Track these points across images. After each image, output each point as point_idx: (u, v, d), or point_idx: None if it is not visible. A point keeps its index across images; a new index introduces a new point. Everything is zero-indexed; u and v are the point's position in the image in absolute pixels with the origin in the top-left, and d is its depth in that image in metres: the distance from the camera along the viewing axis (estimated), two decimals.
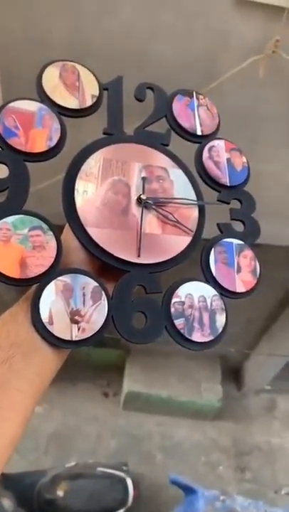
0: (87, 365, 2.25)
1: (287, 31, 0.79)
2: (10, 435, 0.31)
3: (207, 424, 2.24)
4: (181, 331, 0.37)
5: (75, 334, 0.34)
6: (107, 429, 2.19)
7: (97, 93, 0.42)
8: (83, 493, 1.84)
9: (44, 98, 0.40)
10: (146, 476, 2.03)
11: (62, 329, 0.33)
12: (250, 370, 2.32)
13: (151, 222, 0.39)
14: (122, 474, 1.90)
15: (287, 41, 0.81)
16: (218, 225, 0.42)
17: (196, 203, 0.41)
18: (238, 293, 0.40)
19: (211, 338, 0.38)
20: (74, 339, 0.34)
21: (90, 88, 0.42)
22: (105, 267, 0.38)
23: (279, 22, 0.76)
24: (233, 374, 2.44)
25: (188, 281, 0.38)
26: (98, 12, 0.75)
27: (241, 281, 0.40)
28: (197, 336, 0.37)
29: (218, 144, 0.45)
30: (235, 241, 0.41)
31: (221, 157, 0.44)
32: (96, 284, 0.35)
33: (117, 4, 0.77)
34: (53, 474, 1.87)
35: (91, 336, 0.34)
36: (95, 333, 0.34)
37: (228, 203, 0.43)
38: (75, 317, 0.34)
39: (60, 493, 1.85)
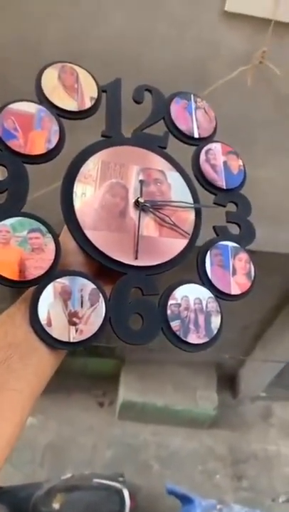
0: (82, 375, 2.24)
1: (274, 42, 0.81)
2: (7, 435, 0.31)
3: (203, 432, 2.23)
4: (177, 332, 0.37)
5: (73, 336, 0.34)
6: (103, 440, 2.17)
7: (95, 95, 0.42)
8: (79, 505, 1.82)
9: (43, 100, 0.40)
10: (143, 487, 2.01)
11: (60, 331, 0.34)
12: (245, 377, 2.32)
13: (148, 225, 0.40)
14: (118, 485, 1.88)
15: (274, 52, 0.83)
16: (214, 227, 0.43)
17: (192, 206, 0.42)
18: (233, 295, 0.40)
19: (206, 339, 0.38)
20: (72, 341, 0.34)
21: (89, 90, 0.42)
22: (103, 269, 0.38)
23: (265, 33, 0.78)
24: (229, 381, 2.43)
25: (184, 283, 0.39)
26: (91, 21, 0.76)
27: (236, 284, 0.41)
28: (192, 338, 0.38)
29: (215, 147, 0.45)
30: (231, 244, 0.42)
31: (218, 160, 0.44)
32: (94, 286, 0.36)
33: (109, 13, 0.78)
34: (49, 487, 1.85)
35: (89, 338, 0.34)
36: (93, 334, 0.35)
37: (224, 206, 0.44)
38: (73, 319, 0.34)
39: (56, 505, 1.82)
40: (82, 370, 2.25)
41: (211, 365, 2.29)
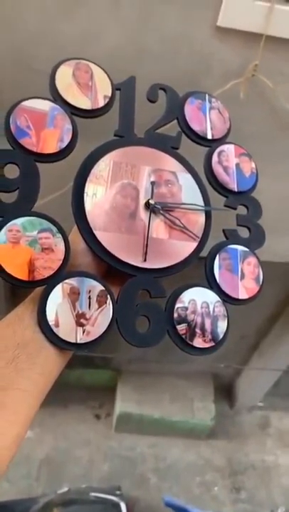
0: (78, 386, 2.22)
1: (265, 56, 0.83)
2: (13, 434, 0.31)
3: (201, 443, 2.21)
4: (183, 336, 0.37)
5: (80, 337, 0.34)
6: (100, 453, 2.15)
7: (109, 93, 0.41)
8: None
9: (57, 97, 0.39)
10: (141, 500, 1.99)
11: (67, 332, 0.34)
12: (242, 387, 2.31)
13: (158, 227, 0.39)
14: (115, 499, 1.86)
15: (266, 65, 0.85)
16: (224, 230, 0.42)
17: (203, 208, 0.41)
18: (241, 300, 0.40)
19: (212, 344, 0.38)
20: (79, 342, 0.34)
21: (103, 88, 0.41)
22: (111, 270, 0.38)
23: (257, 47, 0.80)
24: (226, 392, 2.42)
25: (192, 286, 0.39)
26: (84, 37, 0.77)
27: (244, 288, 0.40)
28: (198, 342, 0.37)
29: (228, 149, 0.44)
30: (240, 248, 0.41)
31: (230, 162, 0.44)
32: (102, 287, 0.35)
33: (103, 29, 0.79)
34: (45, 501, 1.82)
35: (95, 339, 0.34)
36: (100, 336, 0.35)
37: (235, 209, 0.43)
38: (80, 320, 0.34)
39: None
40: (79, 382, 2.23)
41: (207, 376, 2.29)
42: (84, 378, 2.27)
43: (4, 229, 0.34)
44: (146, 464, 2.13)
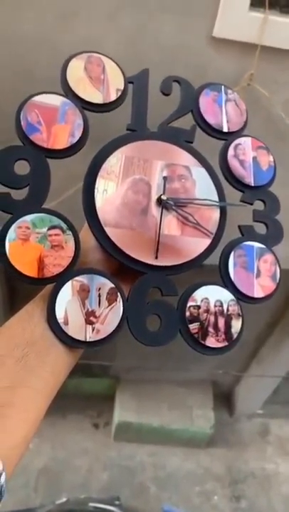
0: (76, 396, 2.21)
1: (261, 65, 0.84)
2: (22, 433, 0.30)
3: (200, 451, 2.20)
4: (195, 335, 0.36)
5: (89, 335, 0.34)
6: (99, 462, 2.13)
7: (122, 87, 0.40)
8: None
9: (68, 92, 0.38)
10: (140, 509, 1.96)
11: (76, 330, 0.33)
12: (241, 394, 2.30)
13: (170, 223, 0.38)
14: (114, 509, 1.84)
15: (261, 74, 0.86)
16: (239, 227, 0.41)
17: (218, 204, 0.40)
18: (256, 298, 0.39)
19: (225, 344, 0.37)
20: (88, 340, 0.33)
21: (115, 81, 0.40)
22: (122, 267, 0.37)
23: (252, 57, 0.81)
24: (225, 399, 2.41)
25: (205, 284, 0.37)
26: (83, 46, 0.79)
27: (260, 286, 0.39)
28: (211, 341, 0.36)
29: (245, 142, 0.42)
30: (257, 244, 0.40)
31: (247, 155, 0.42)
32: (112, 285, 0.35)
33: (101, 39, 0.80)
34: None
35: (105, 337, 0.34)
36: (109, 334, 0.34)
37: (252, 204, 0.42)
38: (90, 318, 0.34)
39: None
40: (77, 391, 2.22)
41: (206, 383, 2.28)
42: (82, 387, 2.26)
43: (14, 226, 0.33)
44: (146, 473, 2.11)
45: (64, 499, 1.87)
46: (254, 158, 0.42)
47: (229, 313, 0.37)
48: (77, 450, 2.15)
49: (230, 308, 0.37)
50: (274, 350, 1.98)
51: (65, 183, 0.73)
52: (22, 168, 0.35)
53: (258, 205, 0.42)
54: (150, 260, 0.37)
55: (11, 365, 0.31)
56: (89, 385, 2.28)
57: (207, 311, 0.37)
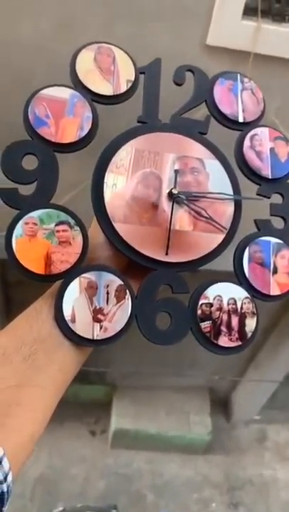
0: (73, 403, 2.19)
1: (254, 72, 0.85)
2: (29, 432, 0.30)
3: (198, 458, 2.18)
4: (207, 334, 0.35)
5: (97, 333, 0.33)
6: (96, 470, 2.10)
7: (132, 78, 0.38)
8: None
9: (77, 84, 0.37)
10: None
11: (84, 327, 0.33)
12: (238, 400, 2.30)
13: (182, 218, 0.37)
14: None
15: (254, 81, 0.87)
16: (255, 221, 0.39)
17: (232, 197, 0.38)
18: (272, 296, 0.37)
19: (239, 343, 0.36)
20: (95, 338, 0.33)
21: (126, 72, 0.38)
22: (132, 264, 0.36)
23: (246, 64, 0.82)
24: (222, 405, 2.40)
25: (218, 282, 0.36)
26: None
27: (276, 284, 0.37)
28: (224, 341, 0.35)
29: (262, 132, 0.40)
30: (274, 240, 0.38)
31: (264, 146, 0.40)
32: (121, 282, 0.34)
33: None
34: None
35: (113, 336, 0.33)
36: (117, 332, 0.33)
37: (269, 198, 0.40)
38: (97, 316, 0.33)
39: None
40: (74, 398, 2.20)
41: (204, 389, 2.27)
42: (79, 394, 2.24)
43: (21, 222, 0.33)
44: (143, 481, 2.09)
45: (60, 508, 1.85)
46: (271, 150, 0.40)
47: (243, 311, 0.36)
48: (74, 458, 2.13)
49: (244, 306, 0.36)
50: (271, 355, 1.98)
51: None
52: (31, 162, 0.35)
53: (276, 199, 0.40)
54: (160, 256, 0.36)
55: (18, 363, 0.31)
56: (86, 392, 2.27)
57: (220, 309, 0.36)
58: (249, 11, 0.74)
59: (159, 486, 2.08)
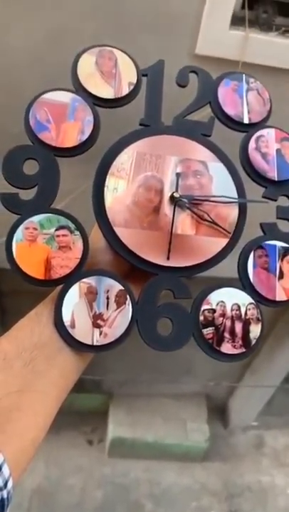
0: (69, 412, 2.17)
1: None
2: (30, 437, 0.30)
3: (196, 466, 2.17)
4: (210, 341, 0.34)
5: (96, 339, 0.32)
6: (93, 480, 2.08)
7: (134, 80, 0.38)
8: None
9: (78, 88, 0.37)
10: None
11: (83, 333, 0.32)
12: (235, 406, 2.29)
13: (184, 222, 0.36)
14: None
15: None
16: (261, 225, 0.38)
17: (236, 200, 0.37)
18: (278, 301, 0.36)
19: (242, 350, 0.35)
20: (95, 344, 0.32)
21: (128, 75, 0.38)
22: (134, 268, 0.36)
23: None
24: (219, 412, 2.39)
25: (221, 287, 0.35)
26: (68, 65, 0.82)
27: (283, 289, 0.36)
28: (227, 348, 0.34)
29: (268, 133, 0.39)
30: (280, 243, 0.37)
31: (270, 148, 0.39)
32: (121, 287, 0.34)
33: None
34: None
35: (113, 342, 0.33)
36: (117, 338, 0.33)
37: (275, 200, 0.39)
38: (97, 321, 0.33)
39: None
40: (70, 407, 2.19)
41: (200, 396, 2.26)
42: (75, 403, 2.22)
43: (21, 227, 0.33)
44: (141, 490, 2.07)
45: None
46: (278, 151, 0.39)
47: (248, 317, 0.35)
48: (71, 468, 2.11)
49: (248, 312, 0.35)
50: (267, 361, 1.98)
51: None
52: (33, 167, 0.35)
53: (283, 201, 0.39)
54: (161, 261, 0.35)
55: (19, 368, 0.31)
56: (82, 401, 2.25)
57: (223, 315, 0.35)
58: (237, 21, 0.75)
59: (157, 495, 2.06)
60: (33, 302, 0.35)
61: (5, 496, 0.27)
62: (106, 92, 0.37)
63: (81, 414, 2.24)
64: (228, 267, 0.38)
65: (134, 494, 2.05)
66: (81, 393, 2.22)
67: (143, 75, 0.39)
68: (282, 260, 0.37)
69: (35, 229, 0.33)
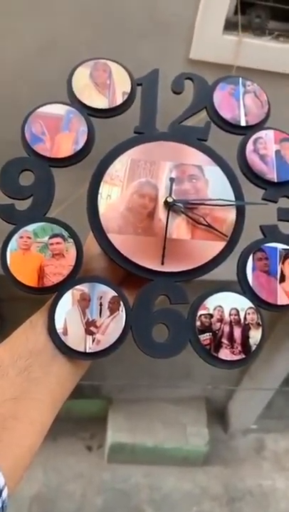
0: (68, 418, 2.16)
1: None
2: (27, 444, 0.30)
3: (196, 470, 2.16)
4: (207, 347, 0.34)
5: (89, 346, 0.32)
6: (93, 486, 2.07)
7: (128, 90, 0.39)
8: None
9: (73, 100, 0.38)
10: None
11: (76, 340, 0.32)
12: (235, 410, 2.29)
13: (179, 227, 0.36)
14: None
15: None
16: (261, 227, 0.38)
17: (232, 203, 0.37)
18: (280, 305, 0.35)
19: (242, 356, 0.34)
20: (88, 351, 0.32)
21: (122, 85, 0.39)
22: (129, 275, 0.36)
23: None
24: (219, 415, 2.38)
25: (218, 291, 0.35)
26: (62, 74, 0.83)
27: (284, 292, 0.35)
28: (225, 354, 0.34)
29: (267, 135, 0.39)
30: (281, 246, 0.36)
31: (269, 149, 0.39)
32: (114, 293, 0.34)
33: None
34: None
35: (106, 348, 0.32)
36: (111, 345, 0.33)
37: (276, 202, 0.38)
38: (90, 328, 0.33)
39: None
40: (68, 413, 2.17)
41: (200, 400, 2.26)
42: (73, 409, 2.21)
43: (16, 236, 0.34)
44: (141, 496, 2.06)
45: None
46: (277, 152, 0.39)
47: (247, 322, 0.34)
48: (71, 474, 2.10)
49: (248, 316, 0.34)
50: (266, 364, 1.98)
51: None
52: (30, 178, 0.36)
53: (284, 203, 0.39)
54: (156, 266, 0.35)
55: (14, 376, 0.31)
56: (80, 406, 2.24)
57: (221, 320, 0.34)
58: (230, 26, 0.75)
59: (157, 500, 2.05)
60: (32, 309, 0.35)
61: (0, 505, 0.27)
62: (100, 102, 0.38)
63: (80, 420, 2.23)
64: (230, 270, 0.37)
65: (135, 500, 2.04)
66: (79, 399, 2.21)
67: (138, 85, 0.40)
68: (283, 263, 0.36)
69: (29, 238, 0.34)
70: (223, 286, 0.35)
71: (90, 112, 0.38)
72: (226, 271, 0.37)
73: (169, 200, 0.36)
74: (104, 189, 0.36)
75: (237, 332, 0.34)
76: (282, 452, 2.33)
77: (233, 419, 2.31)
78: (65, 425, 2.16)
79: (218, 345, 0.34)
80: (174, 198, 0.36)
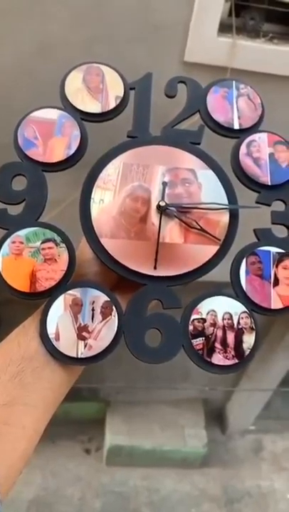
0: (65, 421, 2.15)
1: None
2: (20, 450, 0.30)
3: (194, 472, 2.15)
4: (199, 352, 0.33)
5: (81, 351, 0.32)
6: (91, 489, 2.06)
7: (121, 94, 0.39)
8: None
9: (66, 104, 0.38)
10: None
11: (68, 345, 0.32)
12: (233, 411, 2.29)
13: (172, 231, 0.36)
14: None
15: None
16: (254, 230, 0.37)
17: (226, 207, 0.37)
18: (273, 310, 0.35)
19: (235, 361, 0.34)
20: (80, 356, 0.32)
21: (115, 89, 0.39)
22: (122, 279, 0.36)
23: None
24: (217, 417, 2.38)
25: (211, 295, 0.35)
26: (58, 77, 0.83)
27: (278, 296, 0.35)
28: (218, 359, 0.33)
29: (260, 138, 0.39)
30: (274, 249, 0.36)
31: (262, 152, 0.39)
32: (107, 298, 0.33)
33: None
34: None
35: (98, 354, 0.32)
36: (103, 350, 0.32)
37: (270, 205, 0.38)
38: (82, 333, 0.33)
39: None
40: (66, 416, 2.17)
41: (197, 402, 2.26)
42: (71, 412, 2.21)
43: (8, 241, 0.33)
44: (140, 498, 2.05)
45: None
46: (271, 155, 0.39)
47: (240, 326, 0.34)
48: (69, 478, 2.09)
49: (241, 321, 0.34)
50: (263, 365, 1.98)
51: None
52: (22, 183, 0.36)
53: (277, 206, 0.38)
54: (149, 271, 0.35)
55: (6, 381, 0.31)
56: (78, 409, 2.23)
57: (214, 324, 0.34)
58: (225, 28, 0.75)
59: (156, 503, 2.04)
60: (29, 311, 0.35)
61: None
62: (93, 106, 0.38)
63: (77, 423, 2.22)
64: (224, 271, 0.37)
65: (134, 502, 2.04)
66: (77, 401, 2.21)
67: (131, 89, 0.40)
68: (277, 266, 0.36)
69: (21, 243, 0.34)
70: (216, 291, 0.35)
71: (83, 117, 0.38)
72: (221, 272, 0.37)
73: (162, 204, 0.36)
74: (96, 193, 0.36)
75: (230, 337, 0.34)
76: (281, 453, 2.33)
77: (231, 421, 2.31)
78: (63, 428, 2.16)
79: (211, 350, 0.34)
80: (167, 202, 0.36)
